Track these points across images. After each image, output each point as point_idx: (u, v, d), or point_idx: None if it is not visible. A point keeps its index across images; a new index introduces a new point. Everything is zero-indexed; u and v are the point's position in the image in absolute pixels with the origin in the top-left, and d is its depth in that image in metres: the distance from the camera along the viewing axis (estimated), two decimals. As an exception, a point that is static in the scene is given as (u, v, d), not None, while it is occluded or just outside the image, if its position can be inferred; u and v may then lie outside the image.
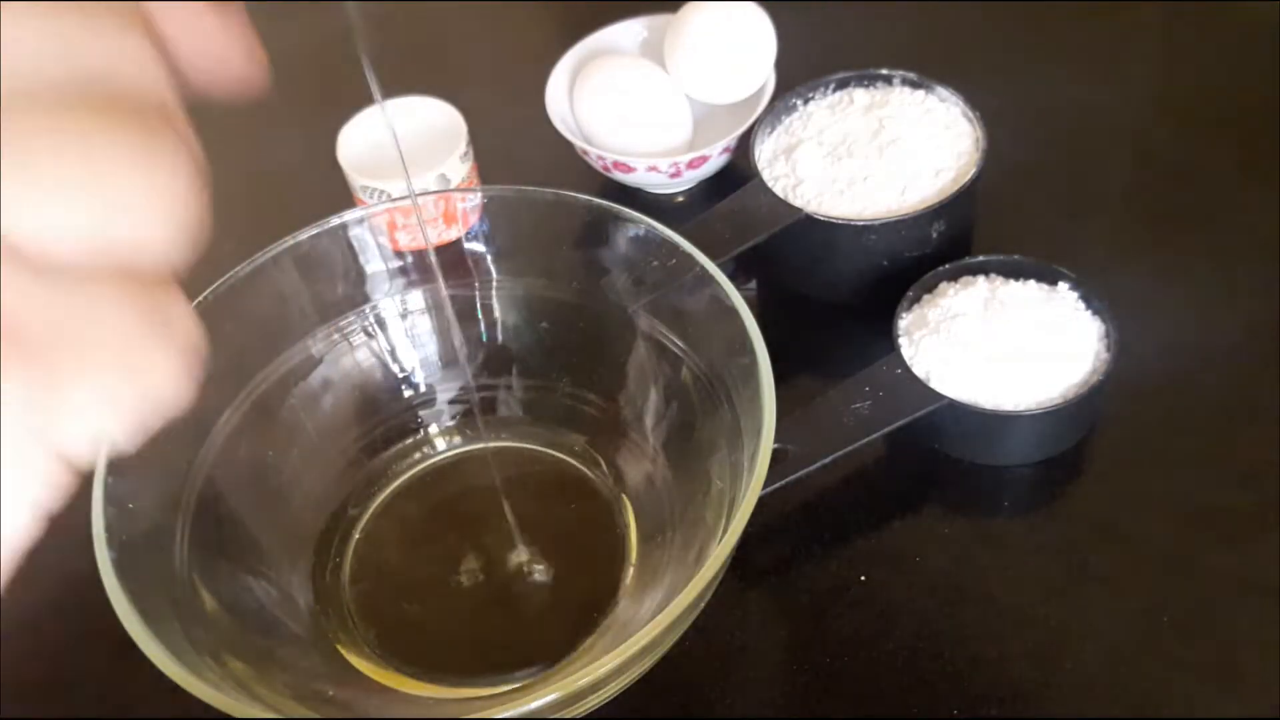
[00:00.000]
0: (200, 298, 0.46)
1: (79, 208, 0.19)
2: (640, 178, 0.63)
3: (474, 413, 0.53)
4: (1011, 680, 0.46)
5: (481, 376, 0.53)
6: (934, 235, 0.56)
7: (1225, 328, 0.56)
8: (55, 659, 0.52)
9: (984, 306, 0.53)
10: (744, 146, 0.61)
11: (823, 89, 0.61)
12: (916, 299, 0.54)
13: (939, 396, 0.50)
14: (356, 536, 0.51)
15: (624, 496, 0.50)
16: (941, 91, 0.60)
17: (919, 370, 0.51)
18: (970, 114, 0.59)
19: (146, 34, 0.21)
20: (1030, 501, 0.52)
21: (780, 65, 0.64)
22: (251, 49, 0.24)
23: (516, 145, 0.69)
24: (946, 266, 0.55)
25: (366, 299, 0.51)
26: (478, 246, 0.52)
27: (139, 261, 0.20)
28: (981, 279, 0.54)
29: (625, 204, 0.48)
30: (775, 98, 0.62)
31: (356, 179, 0.61)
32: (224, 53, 0.23)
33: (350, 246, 0.50)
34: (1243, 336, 0.55)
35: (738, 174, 0.64)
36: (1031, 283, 0.54)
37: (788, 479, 0.48)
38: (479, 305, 0.52)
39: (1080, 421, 0.52)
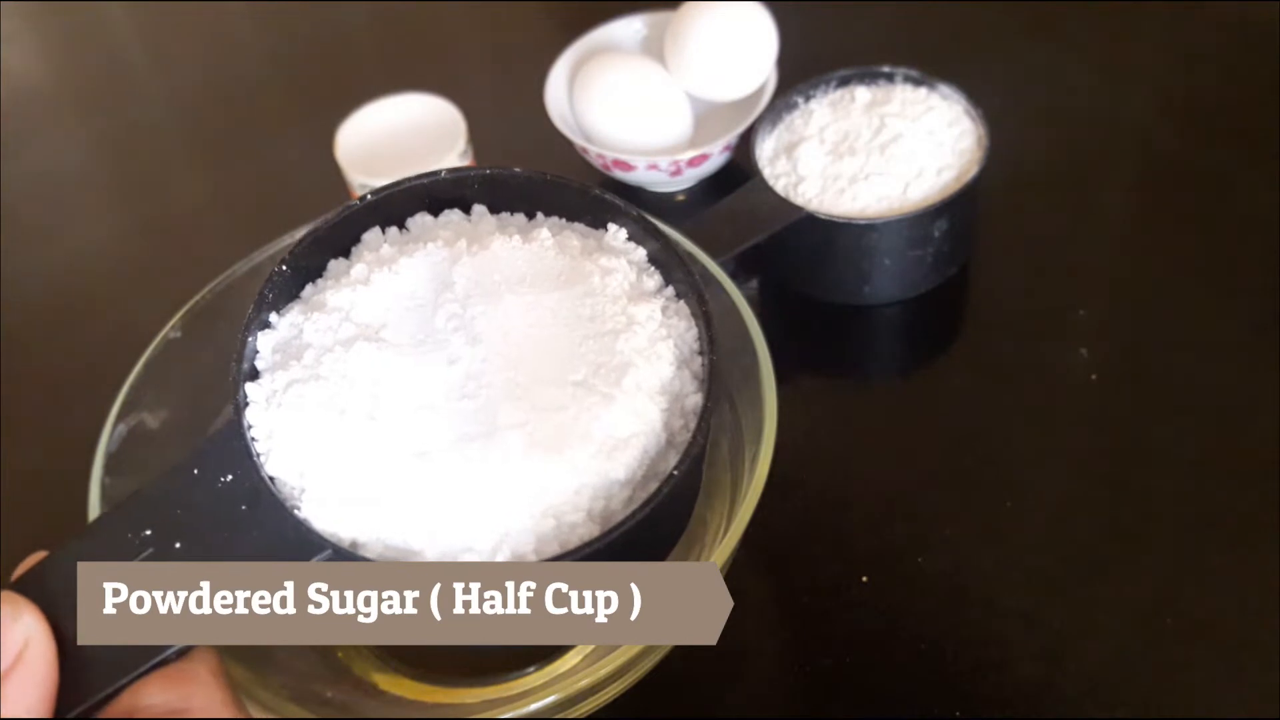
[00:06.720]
0: (197, 296, 0.46)
1: None
2: (640, 176, 0.63)
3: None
4: (1015, 681, 0.46)
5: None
6: (936, 234, 0.56)
7: (1226, 326, 0.56)
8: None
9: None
10: (745, 144, 0.61)
11: (824, 86, 0.61)
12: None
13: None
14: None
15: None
16: (944, 89, 0.59)
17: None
18: (973, 111, 0.58)
19: None
20: (1032, 503, 0.51)
21: (781, 62, 0.63)
22: None
23: (515, 143, 0.68)
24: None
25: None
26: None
27: None
28: None
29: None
30: (776, 95, 0.62)
31: (354, 177, 0.61)
32: None
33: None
34: (1243, 335, 0.55)
35: (738, 172, 0.63)
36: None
37: None
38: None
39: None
